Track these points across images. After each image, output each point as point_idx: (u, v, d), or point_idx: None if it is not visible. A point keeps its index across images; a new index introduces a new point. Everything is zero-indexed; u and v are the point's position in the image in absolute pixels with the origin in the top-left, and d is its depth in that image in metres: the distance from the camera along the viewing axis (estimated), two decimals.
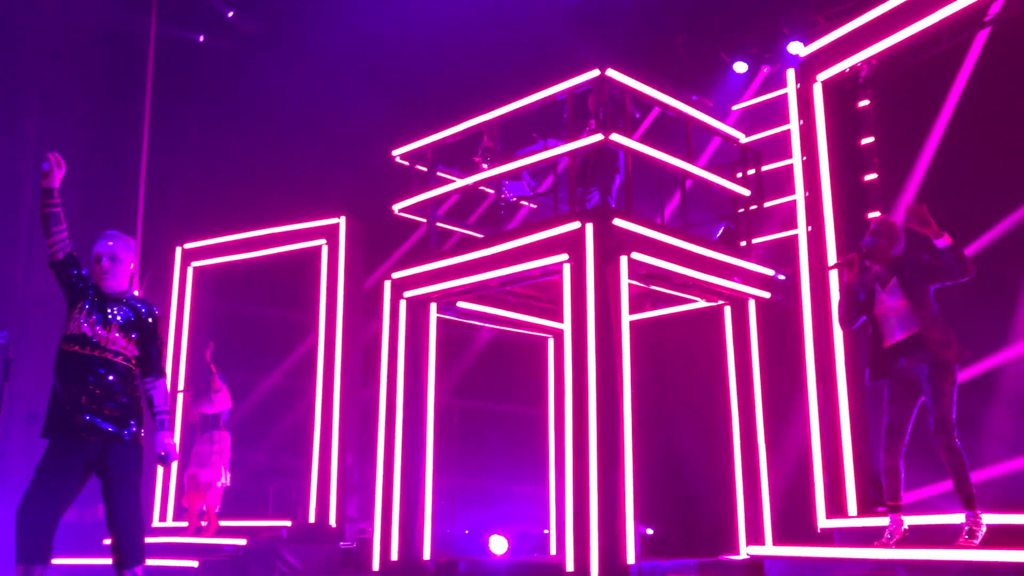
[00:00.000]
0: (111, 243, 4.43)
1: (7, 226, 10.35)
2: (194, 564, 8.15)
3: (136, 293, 4.48)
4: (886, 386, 5.39)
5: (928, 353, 5.14)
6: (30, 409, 9.92)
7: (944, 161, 7.08)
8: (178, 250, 10.99)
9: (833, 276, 7.12)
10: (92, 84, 11.29)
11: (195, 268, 10.96)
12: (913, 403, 5.30)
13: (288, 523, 9.38)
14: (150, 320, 4.44)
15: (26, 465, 9.80)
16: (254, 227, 10.59)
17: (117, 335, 4.31)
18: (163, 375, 4.46)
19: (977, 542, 4.97)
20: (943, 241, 5.12)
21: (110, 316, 4.34)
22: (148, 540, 6.90)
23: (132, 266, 4.47)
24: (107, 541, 4.88)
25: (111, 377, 4.24)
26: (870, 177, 7.59)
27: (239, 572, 8.45)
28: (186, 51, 11.71)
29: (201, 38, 11.79)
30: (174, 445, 4.34)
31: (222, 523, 9.12)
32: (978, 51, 6.98)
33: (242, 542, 8.63)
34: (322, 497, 9.45)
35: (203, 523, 9.07)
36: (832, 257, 7.20)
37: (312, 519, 9.42)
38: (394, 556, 7.91)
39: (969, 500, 5.05)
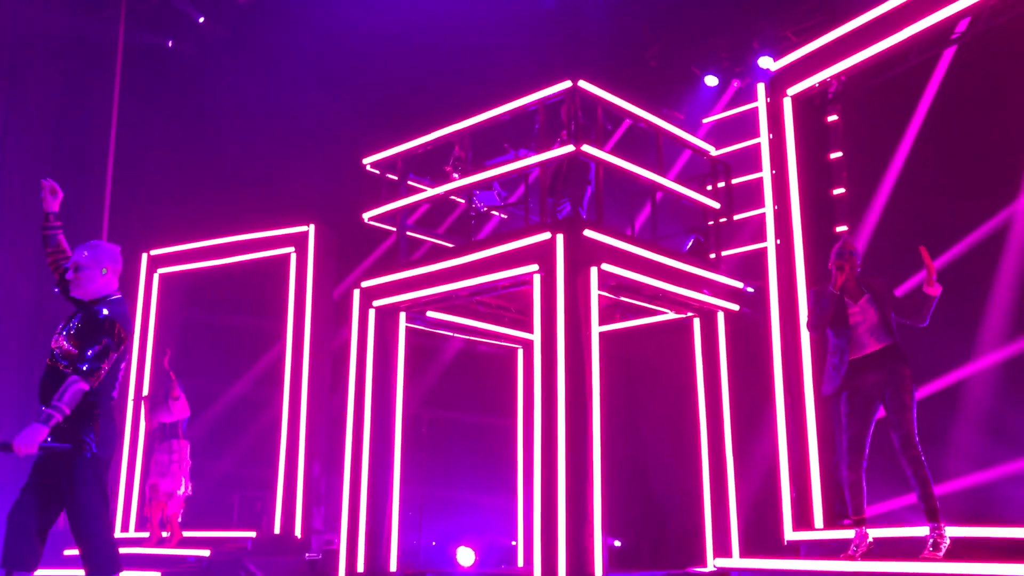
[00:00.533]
0: (81, 252, 4.38)
1: None
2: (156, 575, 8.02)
3: (115, 297, 4.33)
4: (844, 400, 5.45)
5: (896, 367, 5.26)
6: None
7: (911, 175, 7.17)
8: (144, 256, 10.85)
9: (801, 289, 7.17)
10: (57, 88, 11.13)
11: (161, 275, 10.82)
12: (871, 418, 5.41)
13: (253, 534, 9.26)
14: (98, 318, 4.17)
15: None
16: (222, 234, 10.47)
17: (65, 344, 4.19)
18: (83, 376, 4.02)
19: (941, 554, 5.01)
20: (935, 290, 5.27)
21: (69, 324, 4.26)
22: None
23: (104, 271, 4.35)
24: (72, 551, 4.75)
25: (57, 383, 4.06)
26: (838, 191, 7.66)
27: None
28: (154, 56, 11.58)
29: (170, 43, 11.66)
30: (33, 443, 3.87)
31: (185, 534, 8.98)
32: (945, 68, 7.09)
33: (205, 553, 8.50)
34: (288, 507, 9.35)
35: (165, 534, 8.93)
36: (800, 271, 7.25)
37: (277, 530, 9.31)
38: (360, 568, 7.83)
39: (933, 512, 5.11)
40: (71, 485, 4.06)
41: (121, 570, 4.15)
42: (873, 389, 5.36)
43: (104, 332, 4.13)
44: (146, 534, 9.15)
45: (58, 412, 3.95)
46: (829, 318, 5.57)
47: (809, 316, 5.70)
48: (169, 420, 8.95)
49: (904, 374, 5.29)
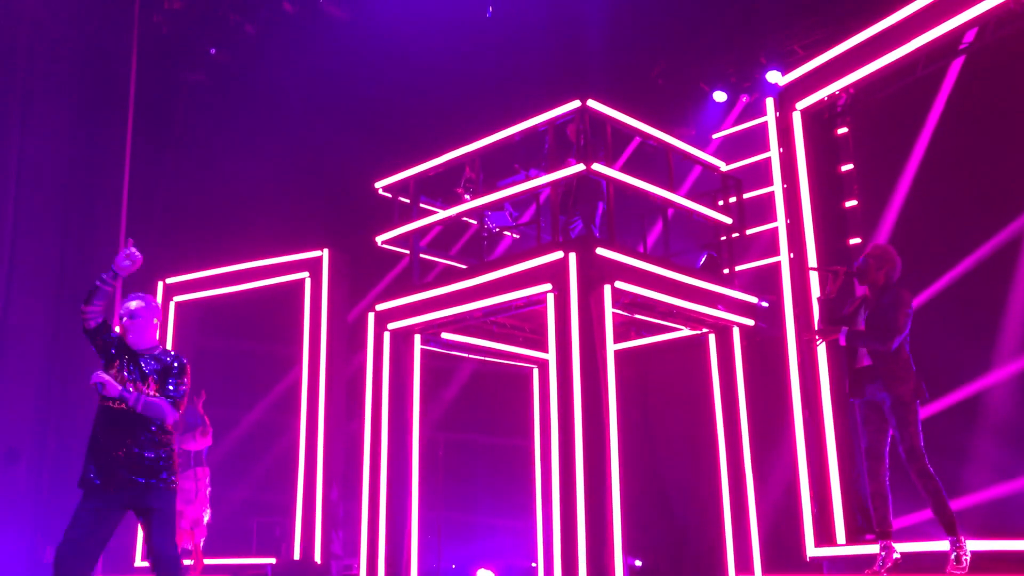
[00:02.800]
0: (132, 302, 4.87)
1: None
2: None
3: (167, 347, 4.85)
4: (858, 408, 5.43)
5: (889, 383, 5.20)
6: (9, 445, 9.79)
7: (923, 186, 7.16)
8: (160, 284, 10.92)
9: (816, 302, 7.15)
10: (70, 118, 11.24)
11: (177, 303, 10.89)
12: (885, 426, 5.34)
13: (273, 560, 9.25)
14: (175, 365, 4.75)
15: (5, 500, 9.65)
16: (236, 261, 10.54)
17: (150, 387, 4.63)
18: (173, 406, 4.64)
19: (965, 568, 4.96)
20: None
21: (144, 368, 4.68)
22: None
23: (155, 321, 4.86)
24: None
25: (135, 425, 4.52)
26: (850, 203, 7.65)
27: None
28: (167, 85, 11.70)
29: (184, 73, 11.77)
30: (114, 385, 4.47)
31: (206, 561, 8.98)
32: (954, 78, 7.08)
33: None
34: (307, 533, 9.34)
35: (188, 562, 8.92)
36: (815, 283, 7.23)
37: (297, 556, 9.30)
38: None
39: (950, 525, 5.05)
40: (160, 516, 4.49)
41: None
42: (875, 398, 5.33)
43: (185, 375, 4.76)
44: None
45: (150, 400, 4.54)
46: (832, 324, 5.56)
47: (817, 322, 5.71)
48: (194, 448, 8.99)
49: (897, 389, 5.20)
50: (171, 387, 4.67)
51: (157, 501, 4.50)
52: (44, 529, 9.87)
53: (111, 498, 4.46)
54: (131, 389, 4.55)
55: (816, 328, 5.81)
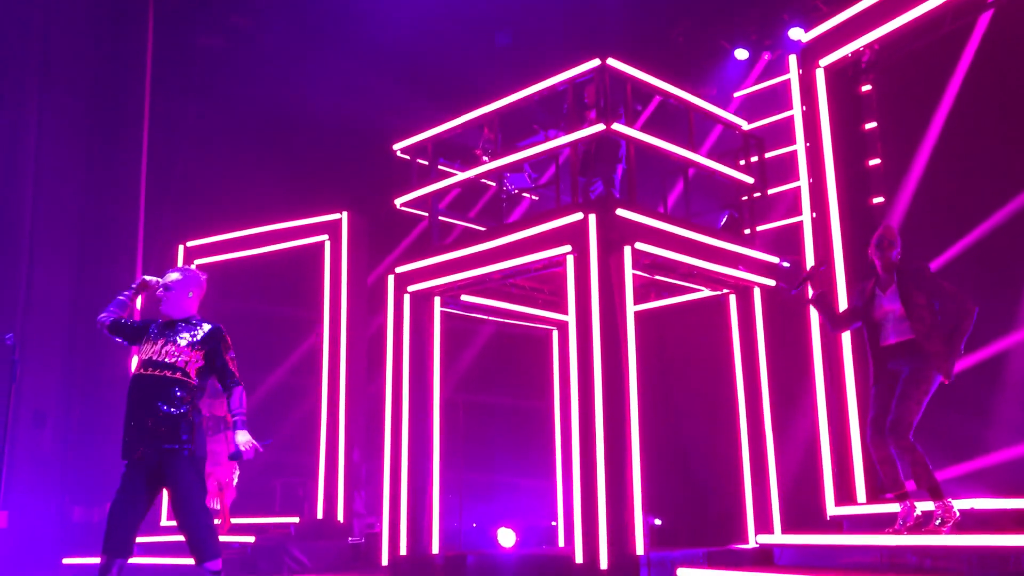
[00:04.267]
0: (170, 275, 5.04)
1: (9, 225, 10.32)
2: None
3: (219, 327, 4.97)
4: (875, 381, 5.43)
5: (915, 362, 5.18)
6: (36, 408, 9.94)
7: (948, 145, 7.04)
8: (180, 248, 10.97)
9: (839, 261, 7.10)
10: (89, 83, 11.25)
11: (197, 266, 10.94)
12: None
13: (296, 519, 9.38)
14: (221, 335, 4.92)
15: (32, 462, 9.83)
16: (256, 224, 10.56)
17: (178, 348, 4.77)
18: (238, 383, 4.91)
19: (947, 529, 4.97)
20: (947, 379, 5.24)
21: (177, 333, 4.83)
22: (158, 539, 6.81)
23: (190, 294, 4.99)
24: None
25: (163, 390, 4.66)
26: (874, 162, 7.55)
27: (248, 569, 8.45)
28: (184, 46, 11.67)
29: (201, 37, 11.73)
30: (249, 442, 4.78)
31: (232, 521, 9.11)
32: (981, 33, 6.93)
33: (250, 539, 8.63)
34: (329, 493, 9.45)
35: (216, 521, 9.06)
36: (837, 243, 7.17)
37: (320, 515, 9.42)
38: (403, 551, 7.91)
39: (934, 491, 5.07)
40: (176, 483, 4.60)
41: (220, 555, 4.69)
42: (896, 375, 5.33)
43: (229, 345, 4.93)
44: None
45: (244, 416, 4.86)
46: (838, 323, 5.67)
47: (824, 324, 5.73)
48: (222, 412, 9.08)
49: (921, 368, 5.17)
50: (229, 364, 4.89)
51: (179, 465, 4.62)
52: (71, 489, 10.04)
53: (138, 463, 4.64)
54: (242, 431, 4.81)
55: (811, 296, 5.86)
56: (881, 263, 5.47)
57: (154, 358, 4.71)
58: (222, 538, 8.71)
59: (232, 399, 4.86)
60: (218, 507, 9.05)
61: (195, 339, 4.81)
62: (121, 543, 4.54)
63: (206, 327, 4.90)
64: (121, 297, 5.07)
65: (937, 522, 5.03)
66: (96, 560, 4.65)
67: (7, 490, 9.17)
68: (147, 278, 5.13)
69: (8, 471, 9.81)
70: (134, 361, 4.89)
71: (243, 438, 4.74)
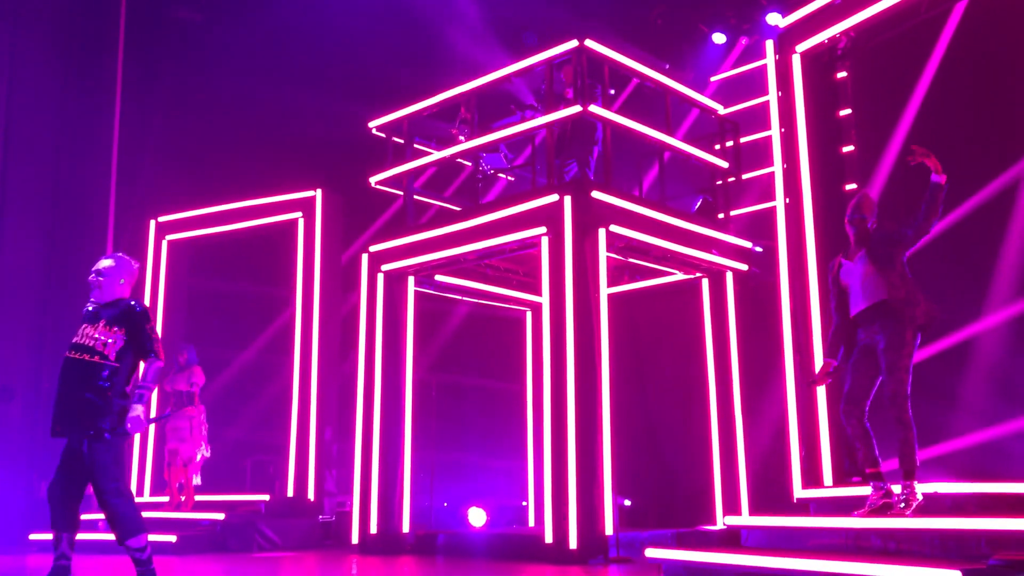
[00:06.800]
0: (102, 262, 4.98)
1: None
2: (172, 539, 8.11)
3: (133, 303, 4.90)
4: (849, 354, 5.43)
5: (887, 323, 5.16)
6: (3, 383, 9.83)
7: (921, 132, 7.09)
8: (152, 223, 10.85)
9: (811, 247, 7.15)
10: (61, 57, 11.06)
11: (169, 241, 10.84)
12: (875, 373, 5.31)
13: (267, 497, 9.36)
14: (136, 311, 4.83)
15: (0, 438, 9.71)
16: (230, 200, 10.46)
17: (100, 331, 4.74)
18: (155, 358, 4.79)
19: (910, 512, 5.02)
20: (940, 177, 5.18)
21: (99, 317, 4.81)
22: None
23: (122, 281, 4.93)
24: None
25: (83, 374, 4.67)
26: (848, 149, 7.60)
27: (217, 546, 8.43)
28: (157, 22, 11.49)
29: (175, 10, 11.56)
30: (138, 419, 4.64)
31: (199, 498, 9.08)
32: (956, 22, 6.97)
33: (220, 516, 8.61)
34: (300, 471, 9.43)
35: (182, 497, 9.03)
36: (810, 229, 7.20)
37: (290, 493, 9.41)
38: (373, 529, 7.92)
39: (910, 473, 5.09)
40: (93, 466, 4.60)
41: (146, 531, 4.69)
42: (871, 345, 5.30)
43: (147, 320, 4.83)
44: (165, 498, 9.25)
45: (147, 391, 4.72)
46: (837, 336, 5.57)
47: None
48: (185, 388, 9.02)
49: (896, 331, 5.12)
50: (146, 341, 4.79)
51: (96, 448, 4.63)
52: (39, 465, 9.94)
53: (68, 443, 4.72)
54: (136, 405, 4.67)
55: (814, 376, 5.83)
56: (855, 233, 5.44)
57: (77, 341, 4.75)
58: (187, 515, 8.73)
59: (144, 370, 4.79)
60: (182, 483, 9.02)
61: (112, 319, 4.79)
62: (64, 519, 4.61)
63: (122, 305, 4.86)
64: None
65: (901, 505, 5.08)
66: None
67: None
68: None
69: None
70: None
71: (136, 412, 4.64)
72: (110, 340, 4.73)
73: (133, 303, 4.87)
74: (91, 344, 4.71)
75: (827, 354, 5.58)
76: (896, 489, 5.23)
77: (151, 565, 4.66)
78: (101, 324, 4.76)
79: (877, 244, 5.33)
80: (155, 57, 11.48)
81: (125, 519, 4.61)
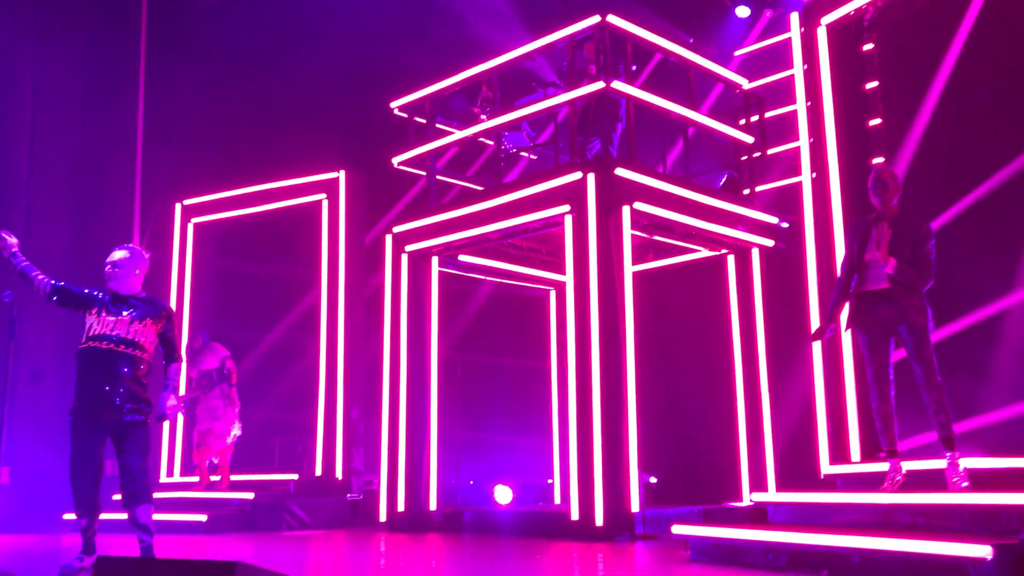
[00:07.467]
0: (117, 253, 5.29)
1: (6, 179, 10.25)
2: (202, 518, 8.23)
3: (166, 305, 5.39)
4: (863, 333, 5.39)
5: (905, 299, 5.17)
6: (34, 366, 9.95)
7: (949, 104, 6.98)
8: (177, 206, 10.94)
9: (837, 222, 7.08)
10: (85, 38, 11.10)
11: (195, 224, 10.91)
12: (889, 346, 5.33)
13: (295, 476, 9.45)
14: (172, 315, 5.33)
15: (32, 419, 9.86)
16: (254, 182, 10.51)
17: (137, 325, 5.12)
18: (179, 359, 5.35)
19: (967, 482, 4.99)
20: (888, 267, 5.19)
21: (126, 309, 5.16)
22: (157, 495, 6.98)
23: (137, 271, 5.24)
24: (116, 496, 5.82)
25: (128, 365, 5.07)
26: (875, 122, 7.50)
27: (247, 525, 8.54)
28: (181, 2, 11.50)
29: None
30: (174, 406, 5.17)
31: (230, 478, 9.18)
32: None
33: (250, 496, 8.71)
34: (328, 450, 9.52)
35: (215, 478, 9.13)
36: (836, 204, 7.13)
37: (318, 472, 9.50)
38: (400, 507, 7.99)
39: (949, 440, 5.11)
40: (134, 444, 5.05)
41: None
42: (887, 322, 5.29)
43: (173, 320, 5.33)
44: (195, 478, 9.36)
45: (175, 384, 5.23)
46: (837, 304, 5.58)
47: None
48: (212, 367, 9.10)
49: (916, 305, 5.16)
50: (177, 344, 5.32)
51: (138, 433, 5.06)
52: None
53: (94, 428, 5.03)
54: (170, 395, 5.18)
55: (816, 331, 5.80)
56: (880, 202, 5.40)
57: (109, 332, 5.05)
58: (218, 494, 8.84)
59: (170, 369, 5.26)
60: (217, 462, 9.12)
61: (150, 316, 5.18)
62: (95, 505, 5.01)
63: (160, 306, 5.29)
64: (21, 266, 5.37)
65: (955, 479, 5.05)
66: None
67: (8, 446, 9.24)
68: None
69: (8, 428, 9.86)
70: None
71: (172, 402, 5.14)
72: (151, 339, 5.18)
73: (167, 305, 5.35)
74: (140, 340, 5.10)
75: (830, 316, 5.60)
76: (909, 466, 5.22)
77: (153, 538, 5.07)
78: (140, 319, 5.13)
79: (903, 239, 5.26)
80: (179, 40, 11.50)
81: (149, 492, 5.09)
